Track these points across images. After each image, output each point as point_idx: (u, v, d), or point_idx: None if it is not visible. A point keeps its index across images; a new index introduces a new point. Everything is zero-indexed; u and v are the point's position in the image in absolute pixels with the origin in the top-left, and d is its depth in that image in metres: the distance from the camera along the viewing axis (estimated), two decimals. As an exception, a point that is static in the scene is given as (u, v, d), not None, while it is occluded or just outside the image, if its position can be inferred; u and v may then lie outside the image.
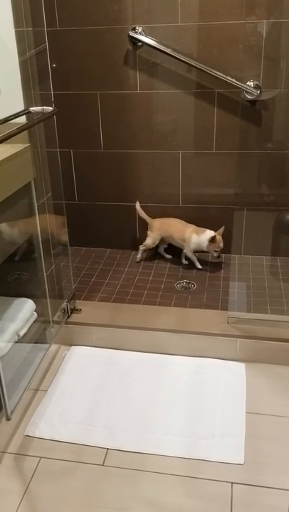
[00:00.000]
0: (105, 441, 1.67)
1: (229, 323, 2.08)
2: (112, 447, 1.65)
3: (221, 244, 2.49)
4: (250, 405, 1.80)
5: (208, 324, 2.09)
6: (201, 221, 2.65)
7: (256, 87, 2.35)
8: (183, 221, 2.60)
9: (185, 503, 1.45)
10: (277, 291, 2.35)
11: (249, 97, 2.36)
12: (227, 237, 2.47)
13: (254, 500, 1.45)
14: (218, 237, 2.48)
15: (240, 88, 2.34)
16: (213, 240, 2.46)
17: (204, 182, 2.62)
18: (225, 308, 2.20)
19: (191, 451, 1.62)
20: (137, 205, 2.61)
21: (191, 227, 2.55)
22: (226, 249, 2.53)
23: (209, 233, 2.49)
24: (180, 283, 2.48)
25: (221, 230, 2.49)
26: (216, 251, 2.51)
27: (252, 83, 2.35)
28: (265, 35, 2.27)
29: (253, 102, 2.39)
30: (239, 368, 1.99)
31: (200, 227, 2.56)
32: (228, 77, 2.32)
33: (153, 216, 2.64)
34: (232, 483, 1.51)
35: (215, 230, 2.50)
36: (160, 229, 2.61)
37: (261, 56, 2.31)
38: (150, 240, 2.62)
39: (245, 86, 2.34)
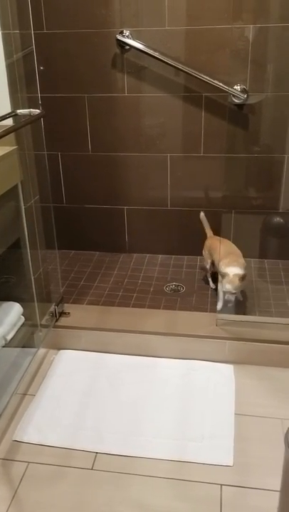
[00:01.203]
0: (94, 445, 1.66)
1: (218, 326, 2.09)
2: (100, 451, 1.64)
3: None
4: (239, 407, 1.80)
5: (197, 326, 2.09)
6: (189, 224, 2.66)
7: (243, 91, 2.36)
8: (233, 246, 2.31)
9: (175, 506, 1.45)
10: (265, 293, 2.36)
11: (236, 101, 2.38)
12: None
13: (243, 502, 1.45)
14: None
15: (227, 92, 2.35)
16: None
17: (192, 185, 2.63)
18: (214, 310, 2.21)
19: (181, 454, 1.61)
20: (202, 214, 2.43)
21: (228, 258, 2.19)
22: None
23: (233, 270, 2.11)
24: (169, 285, 2.48)
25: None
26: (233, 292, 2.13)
27: (239, 87, 2.36)
28: (251, 39, 2.29)
29: (240, 106, 2.41)
30: (228, 369, 1.99)
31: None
32: (216, 81, 2.34)
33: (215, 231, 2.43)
34: (221, 485, 1.51)
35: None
36: (205, 249, 2.42)
37: (248, 60, 2.32)
38: (204, 261, 2.44)
39: (233, 90, 2.35)
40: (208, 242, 2.40)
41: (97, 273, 2.61)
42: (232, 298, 2.15)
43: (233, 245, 2.31)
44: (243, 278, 2.08)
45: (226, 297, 2.14)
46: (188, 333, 2.06)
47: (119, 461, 1.60)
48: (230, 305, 2.18)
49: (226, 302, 2.17)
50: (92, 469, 1.58)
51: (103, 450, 1.64)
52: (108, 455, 1.62)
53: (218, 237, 2.32)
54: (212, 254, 2.33)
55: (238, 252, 2.26)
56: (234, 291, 2.10)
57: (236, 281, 2.07)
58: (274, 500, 1.39)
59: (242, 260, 2.19)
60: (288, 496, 1.30)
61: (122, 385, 1.93)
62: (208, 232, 2.42)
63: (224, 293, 2.13)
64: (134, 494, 1.49)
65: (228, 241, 2.34)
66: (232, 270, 2.09)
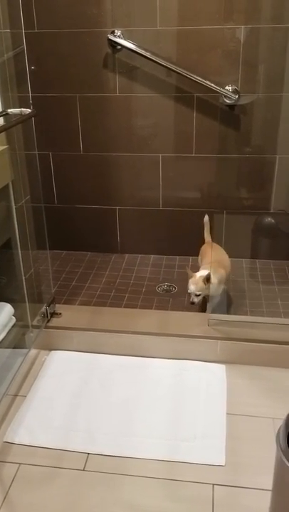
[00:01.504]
0: (86, 446, 1.65)
1: (210, 326, 2.09)
2: (92, 452, 1.63)
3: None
4: (230, 407, 1.80)
5: (189, 326, 2.09)
6: (181, 224, 2.66)
7: (235, 91, 2.37)
8: (222, 255, 2.27)
9: (167, 506, 1.45)
10: (257, 294, 2.37)
11: (228, 101, 2.39)
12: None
13: (235, 501, 1.45)
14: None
15: (219, 93, 2.36)
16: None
17: (184, 185, 2.63)
18: (205, 310, 2.21)
19: (173, 454, 1.61)
20: (206, 217, 2.37)
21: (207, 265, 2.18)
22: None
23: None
24: (161, 286, 2.48)
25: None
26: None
27: (230, 88, 2.37)
28: (243, 40, 2.30)
29: (231, 107, 2.42)
30: (220, 369, 2.00)
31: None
32: (207, 82, 2.34)
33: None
34: (213, 484, 1.51)
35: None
36: (199, 254, 2.38)
37: (239, 61, 2.33)
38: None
39: (224, 90, 2.36)
40: (202, 248, 2.38)
41: (88, 273, 2.60)
42: (196, 300, 2.12)
43: (224, 255, 2.28)
44: (207, 280, 2.08)
45: (190, 299, 2.13)
46: (180, 333, 2.06)
47: (111, 461, 1.59)
48: (195, 306, 2.16)
49: (191, 303, 2.14)
50: (83, 470, 1.57)
51: (95, 451, 1.63)
52: (100, 456, 1.62)
53: (213, 244, 2.31)
54: (202, 260, 2.31)
55: (225, 262, 2.24)
56: (197, 293, 2.10)
57: (200, 283, 2.08)
58: (266, 499, 1.39)
59: (222, 270, 2.17)
60: (280, 495, 1.30)
61: (114, 386, 1.92)
62: (207, 237, 2.37)
63: (190, 294, 2.13)
64: (126, 495, 1.48)
65: (221, 249, 2.31)
66: (199, 272, 2.13)
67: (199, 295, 2.10)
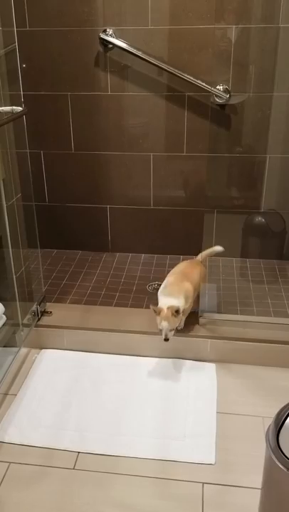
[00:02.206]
0: (76, 445, 1.65)
1: (200, 324, 2.10)
2: (83, 451, 1.63)
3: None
4: (221, 405, 1.81)
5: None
6: (172, 223, 2.67)
7: (225, 91, 2.38)
8: (194, 264, 2.14)
9: (157, 505, 1.45)
10: (247, 293, 2.38)
11: (219, 100, 2.39)
12: (199, 239, 2.48)
13: (225, 500, 1.46)
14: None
15: (210, 92, 2.37)
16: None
17: (175, 184, 2.64)
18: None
19: (163, 453, 1.62)
20: (218, 247, 2.20)
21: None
22: (198, 251, 2.54)
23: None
24: (152, 285, 2.48)
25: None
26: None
27: (221, 87, 2.38)
28: (234, 40, 2.31)
29: (222, 106, 2.42)
30: (210, 368, 2.01)
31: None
32: (198, 81, 2.35)
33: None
34: (203, 483, 1.52)
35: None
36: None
37: (230, 61, 2.34)
38: None
39: (215, 90, 2.36)
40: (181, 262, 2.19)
41: (79, 272, 2.60)
42: (170, 335, 1.88)
43: (197, 267, 2.10)
44: (177, 312, 1.86)
45: (164, 336, 1.88)
46: (170, 332, 2.07)
47: (101, 460, 1.60)
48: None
49: (166, 340, 1.89)
50: (74, 469, 1.57)
51: (85, 450, 1.64)
52: (90, 454, 1.62)
53: (195, 261, 2.14)
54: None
55: (195, 275, 2.05)
56: (171, 329, 1.87)
57: (171, 318, 1.85)
58: (255, 497, 1.40)
59: (187, 284, 1.99)
60: (269, 493, 1.31)
61: (105, 385, 1.92)
62: (199, 256, 2.20)
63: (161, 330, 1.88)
64: (116, 493, 1.49)
65: (197, 263, 2.14)
66: (165, 301, 1.90)
67: (173, 330, 1.88)
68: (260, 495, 1.38)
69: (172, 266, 2.61)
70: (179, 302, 1.90)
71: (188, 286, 1.99)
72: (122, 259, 2.74)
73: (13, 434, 1.69)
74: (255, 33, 2.32)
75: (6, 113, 1.75)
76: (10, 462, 1.60)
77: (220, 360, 2.03)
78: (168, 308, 1.86)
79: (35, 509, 1.44)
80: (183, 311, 1.93)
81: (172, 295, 1.94)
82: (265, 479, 1.33)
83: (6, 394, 1.88)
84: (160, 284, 2.46)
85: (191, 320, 2.11)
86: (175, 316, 1.86)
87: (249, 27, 2.30)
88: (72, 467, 1.58)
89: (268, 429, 1.29)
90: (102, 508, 1.44)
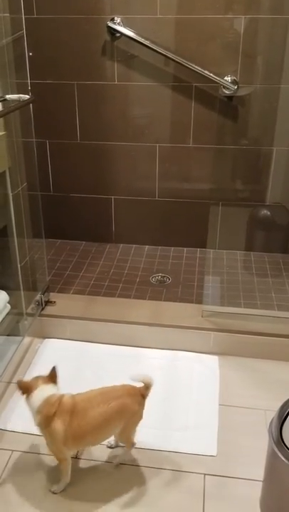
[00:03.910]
0: (79, 434, 1.66)
1: (203, 317, 2.10)
2: (85, 440, 1.64)
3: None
4: (223, 398, 1.81)
5: (182, 317, 2.10)
6: (176, 215, 2.66)
7: (233, 82, 2.36)
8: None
9: (158, 495, 1.46)
10: (250, 286, 2.38)
11: (227, 92, 2.37)
12: (204, 231, 2.47)
13: (226, 491, 1.47)
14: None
15: (217, 83, 2.35)
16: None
17: (180, 176, 2.62)
18: (199, 301, 2.22)
19: (165, 443, 1.63)
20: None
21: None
22: (202, 243, 2.54)
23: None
24: (155, 276, 2.48)
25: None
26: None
27: (229, 78, 2.36)
28: (242, 30, 2.28)
29: (230, 98, 2.41)
30: (213, 360, 2.01)
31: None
32: (206, 72, 2.33)
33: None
34: (204, 474, 1.52)
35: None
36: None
37: (239, 51, 2.32)
38: None
39: (223, 81, 2.35)
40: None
41: (83, 263, 2.60)
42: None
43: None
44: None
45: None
46: (173, 323, 2.07)
47: (103, 449, 1.60)
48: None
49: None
50: (76, 458, 1.58)
51: (88, 439, 1.64)
52: (93, 444, 1.63)
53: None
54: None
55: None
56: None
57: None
58: (257, 489, 1.41)
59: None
60: (271, 485, 1.32)
61: (107, 375, 1.92)
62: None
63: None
64: (118, 483, 1.50)
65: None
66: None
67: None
68: (261, 487, 1.39)
69: (177, 258, 2.63)
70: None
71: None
72: (126, 250, 2.74)
73: (16, 423, 1.70)
74: (264, 23, 2.30)
75: (13, 101, 1.74)
76: (12, 450, 1.60)
77: (223, 352, 2.03)
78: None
79: (37, 497, 1.45)
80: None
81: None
82: (267, 472, 1.33)
83: (9, 382, 1.89)
84: (163, 276, 2.47)
85: (194, 312, 2.12)
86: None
87: (258, 17, 2.28)
88: (74, 456, 1.58)
89: (271, 422, 1.30)
90: (103, 497, 1.45)
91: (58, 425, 1.37)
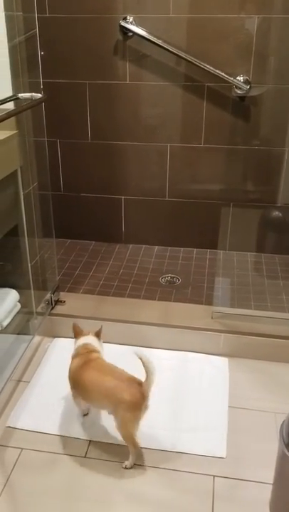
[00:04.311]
0: (87, 433, 1.66)
1: (213, 318, 2.09)
2: (94, 439, 1.64)
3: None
4: (232, 400, 1.80)
5: (192, 318, 2.09)
6: (186, 216, 2.65)
7: (246, 82, 2.35)
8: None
9: (167, 496, 1.45)
10: (261, 288, 2.36)
11: (239, 92, 2.36)
12: (214, 232, 2.46)
13: (235, 494, 1.46)
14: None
15: (230, 83, 2.34)
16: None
17: (191, 176, 2.62)
18: (209, 303, 2.21)
19: (174, 445, 1.62)
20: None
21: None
22: (212, 244, 2.53)
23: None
24: (165, 277, 2.47)
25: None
26: None
27: (242, 78, 2.34)
28: (256, 30, 2.27)
29: (242, 98, 2.39)
30: (222, 362, 2.00)
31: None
32: (218, 71, 2.32)
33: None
34: (214, 476, 1.52)
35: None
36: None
37: (252, 51, 2.31)
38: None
39: (236, 81, 2.33)
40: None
41: (92, 262, 2.60)
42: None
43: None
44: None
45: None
46: (183, 324, 2.06)
47: (112, 449, 1.60)
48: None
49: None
50: (85, 457, 1.58)
51: (96, 438, 1.64)
52: (101, 443, 1.63)
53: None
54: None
55: None
56: None
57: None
58: (266, 492, 1.40)
59: None
60: (281, 488, 1.31)
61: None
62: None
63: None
64: (126, 483, 1.49)
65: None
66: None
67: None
68: (271, 490, 1.38)
69: (186, 259, 2.62)
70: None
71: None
72: (136, 250, 2.73)
73: (26, 421, 1.71)
74: (276, 23, 2.29)
75: (26, 100, 1.74)
76: (22, 448, 1.61)
77: (232, 354, 2.02)
78: None
79: (46, 495, 1.45)
80: None
81: None
82: (277, 474, 1.32)
83: (19, 381, 1.90)
84: (173, 277, 2.47)
85: (203, 313, 2.11)
86: None
87: (271, 17, 2.27)
88: (83, 455, 1.58)
89: (282, 424, 1.29)
90: (111, 497, 1.45)
91: (73, 363, 1.63)
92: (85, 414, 1.72)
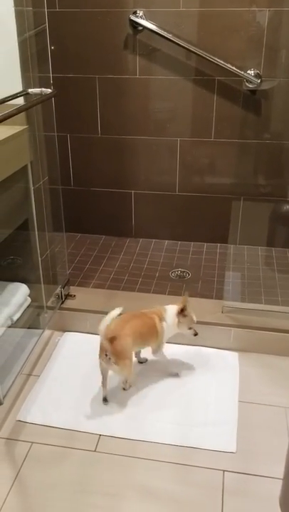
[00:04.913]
0: (97, 428, 1.67)
1: (224, 313, 2.08)
2: (104, 433, 1.65)
3: (194, 318, 1.84)
4: (242, 394, 1.80)
5: (202, 313, 2.08)
6: (197, 210, 2.64)
7: (257, 75, 2.32)
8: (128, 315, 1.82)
9: (177, 490, 1.46)
10: (272, 282, 2.35)
11: (250, 85, 2.34)
12: (224, 227, 2.44)
13: (245, 488, 1.46)
14: (188, 309, 1.83)
15: (240, 76, 2.32)
16: (182, 312, 1.82)
17: (202, 170, 2.60)
18: (219, 297, 2.20)
19: (184, 439, 1.62)
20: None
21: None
22: (223, 239, 2.52)
23: (172, 308, 1.85)
24: (175, 271, 2.47)
25: (186, 297, 1.85)
26: (190, 328, 1.84)
27: (253, 72, 2.32)
28: (267, 23, 2.25)
29: (253, 91, 2.37)
30: (233, 357, 1.99)
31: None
32: (229, 65, 2.30)
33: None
34: (224, 471, 1.52)
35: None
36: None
37: (263, 45, 2.28)
38: None
39: (246, 75, 2.31)
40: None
41: (103, 257, 2.60)
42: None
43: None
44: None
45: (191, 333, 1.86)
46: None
47: (122, 444, 1.61)
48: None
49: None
50: (95, 451, 1.59)
51: (107, 433, 1.65)
52: (111, 437, 1.63)
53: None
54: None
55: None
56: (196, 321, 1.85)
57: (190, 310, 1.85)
58: (276, 487, 1.39)
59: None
60: (292, 483, 1.30)
61: (127, 369, 1.93)
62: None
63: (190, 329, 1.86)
64: (136, 477, 1.50)
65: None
66: (174, 307, 1.86)
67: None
68: (281, 484, 1.37)
69: (196, 253, 2.61)
70: None
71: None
72: (146, 244, 2.73)
73: (36, 415, 1.72)
74: (288, 16, 2.26)
75: (36, 95, 1.74)
76: (32, 442, 1.62)
77: (243, 349, 2.02)
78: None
79: (56, 489, 1.46)
80: None
81: None
82: (287, 469, 1.31)
83: (29, 375, 1.91)
84: (183, 271, 2.46)
85: (214, 308, 2.10)
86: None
87: (282, 10, 2.24)
88: (93, 449, 1.59)
89: (293, 420, 1.27)
90: (121, 491, 1.46)
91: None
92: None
